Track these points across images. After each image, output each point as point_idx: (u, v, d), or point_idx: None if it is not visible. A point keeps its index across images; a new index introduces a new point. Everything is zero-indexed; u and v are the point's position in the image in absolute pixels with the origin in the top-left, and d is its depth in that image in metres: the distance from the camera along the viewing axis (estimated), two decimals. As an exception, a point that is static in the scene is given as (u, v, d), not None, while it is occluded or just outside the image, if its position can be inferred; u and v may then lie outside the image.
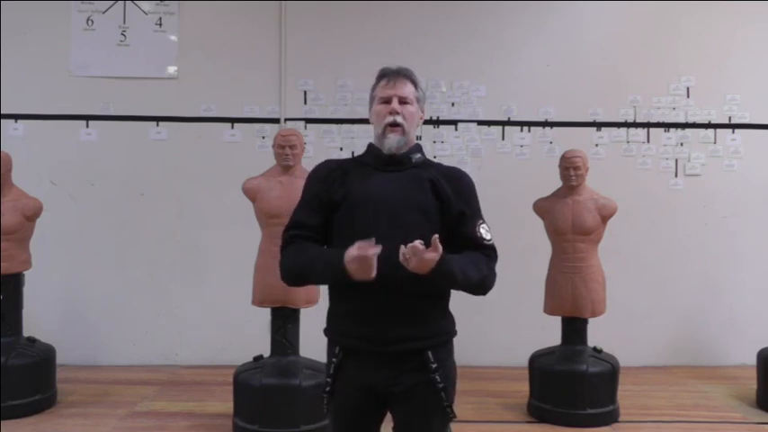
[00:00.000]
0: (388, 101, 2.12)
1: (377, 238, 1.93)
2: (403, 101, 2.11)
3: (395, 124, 2.10)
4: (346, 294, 2.04)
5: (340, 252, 1.92)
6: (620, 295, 4.68)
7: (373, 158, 2.15)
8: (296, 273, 2.09)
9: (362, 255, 1.86)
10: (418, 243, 1.87)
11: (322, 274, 2.05)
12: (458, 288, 2.05)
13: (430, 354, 2.04)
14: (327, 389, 2.11)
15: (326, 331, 2.14)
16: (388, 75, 2.15)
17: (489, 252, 2.09)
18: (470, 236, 2.07)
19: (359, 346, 2.04)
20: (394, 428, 2.15)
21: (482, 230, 2.09)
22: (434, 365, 2.04)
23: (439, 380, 2.04)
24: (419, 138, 5.19)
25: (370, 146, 2.19)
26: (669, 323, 5.33)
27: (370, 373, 2.05)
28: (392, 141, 2.10)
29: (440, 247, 1.89)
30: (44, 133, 5.15)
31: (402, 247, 1.88)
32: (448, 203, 2.07)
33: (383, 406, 2.13)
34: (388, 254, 1.93)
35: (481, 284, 2.05)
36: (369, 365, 2.04)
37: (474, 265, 2.02)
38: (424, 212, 2.05)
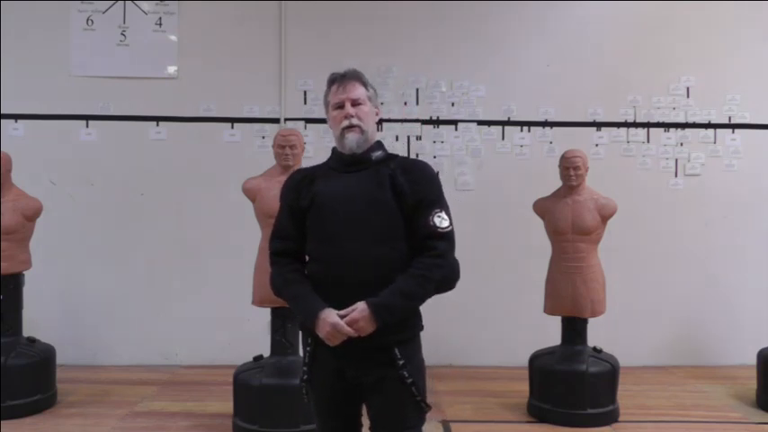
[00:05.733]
0: (341, 105, 2.20)
1: (341, 238, 2.07)
2: (355, 102, 2.20)
3: (351, 126, 2.17)
4: (319, 294, 2.12)
5: (315, 310, 2.07)
6: (620, 295, 4.68)
7: (336, 161, 2.25)
8: (280, 297, 2.26)
9: (334, 331, 2.03)
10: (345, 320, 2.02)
11: (297, 313, 2.21)
12: (418, 305, 2.13)
13: (397, 350, 2.10)
14: (305, 377, 2.19)
15: (301, 325, 2.22)
16: (337, 80, 2.23)
17: (437, 244, 2.09)
18: (423, 225, 2.11)
19: None
20: (371, 420, 2.21)
21: (436, 219, 2.12)
22: (402, 361, 2.09)
23: (407, 375, 2.10)
24: (419, 138, 5.21)
25: (333, 150, 2.28)
26: (669, 323, 5.33)
27: (339, 364, 2.13)
28: (351, 141, 2.18)
29: (355, 320, 2.00)
30: (44, 133, 5.15)
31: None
32: (404, 195, 2.11)
33: (359, 392, 2.19)
34: (353, 254, 2.07)
35: (440, 286, 2.11)
36: (338, 356, 2.12)
37: (412, 280, 2.06)
38: (384, 210, 2.11)
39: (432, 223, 2.10)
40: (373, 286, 2.04)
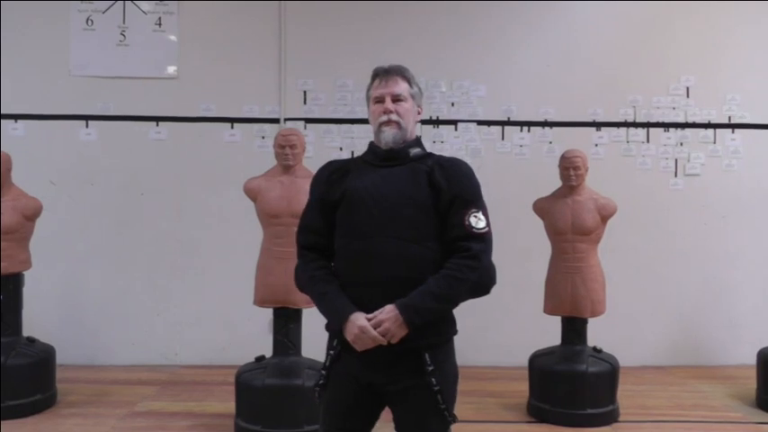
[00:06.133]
0: (381, 100, 2.14)
1: (371, 234, 2.00)
2: (396, 98, 2.14)
3: (389, 121, 2.12)
4: (345, 292, 2.05)
5: (344, 313, 2.00)
6: (619, 295, 4.68)
7: (372, 155, 2.18)
8: (304, 293, 2.20)
9: (361, 334, 1.97)
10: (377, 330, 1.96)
11: (323, 313, 2.13)
12: (450, 308, 2.08)
13: (427, 356, 2.02)
14: (321, 381, 2.12)
15: (327, 326, 2.14)
16: (380, 74, 2.18)
17: (471, 245, 2.01)
18: (457, 224, 2.03)
19: None
20: (395, 427, 2.15)
21: (472, 219, 2.03)
22: (431, 368, 2.01)
23: (435, 382, 2.01)
24: (419, 138, 5.20)
25: (370, 144, 2.22)
26: (669, 323, 5.33)
27: (366, 370, 2.05)
28: (387, 135, 2.12)
29: (381, 321, 1.95)
30: (44, 133, 5.14)
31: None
32: (440, 192, 2.05)
33: (380, 402, 2.13)
34: (383, 251, 2.00)
35: (473, 289, 2.05)
36: (365, 362, 2.04)
37: (443, 281, 1.98)
38: (419, 207, 2.05)
39: (467, 223, 2.02)
40: (403, 286, 1.97)
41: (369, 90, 2.20)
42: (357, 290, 2.03)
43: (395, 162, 2.13)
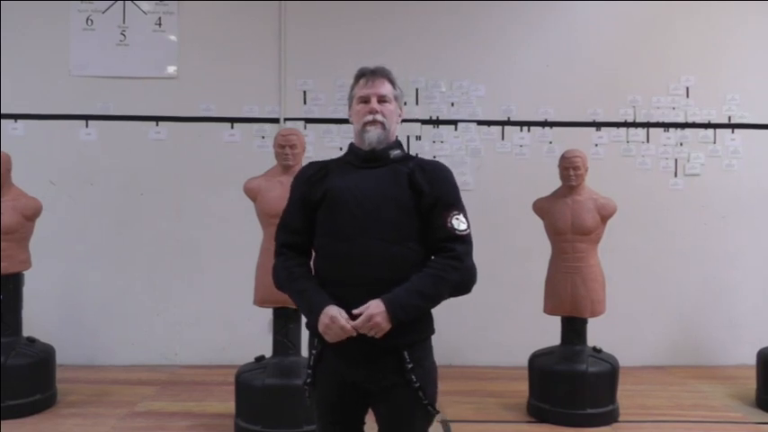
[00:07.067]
0: (367, 100, 2.17)
1: (354, 234, 2.02)
2: (382, 99, 2.17)
3: (374, 121, 2.14)
4: (326, 291, 2.07)
5: (320, 306, 2.01)
6: (619, 295, 4.68)
7: (353, 156, 2.20)
8: (282, 291, 2.20)
9: (331, 324, 1.98)
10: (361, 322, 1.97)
11: (302, 310, 2.16)
12: (432, 306, 2.10)
13: (406, 353, 2.05)
14: (308, 380, 2.14)
15: (308, 324, 2.16)
16: (366, 74, 2.20)
17: (454, 246, 2.06)
18: (440, 226, 2.08)
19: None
20: (378, 427, 2.17)
21: (454, 221, 2.09)
22: (410, 365, 2.05)
23: (415, 379, 2.04)
24: (419, 138, 5.21)
25: (351, 145, 2.24)
26: (668, 323, 5.33)
27: (348, 368, 2.07)
28: (372, 135, 2.14)
29: (372, 315, 1.95)
30: (44, 133, 5.14)
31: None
32: (422, 194, 2.08)
33: (365, 399, 2.15)
34: (365, 251, 2.02)
35: (455, 289, 2.09)
36: (347, 360, 2.06)
37: (428, 280, 2.03)
38: (400, 208, 2.08)
39: (449, 225, 2.07)
40: (385, 286, 1.99)
41: (352, 90, 2.22)
42: (339, 289, 2.04)
43: (376, 163, 2.16)
